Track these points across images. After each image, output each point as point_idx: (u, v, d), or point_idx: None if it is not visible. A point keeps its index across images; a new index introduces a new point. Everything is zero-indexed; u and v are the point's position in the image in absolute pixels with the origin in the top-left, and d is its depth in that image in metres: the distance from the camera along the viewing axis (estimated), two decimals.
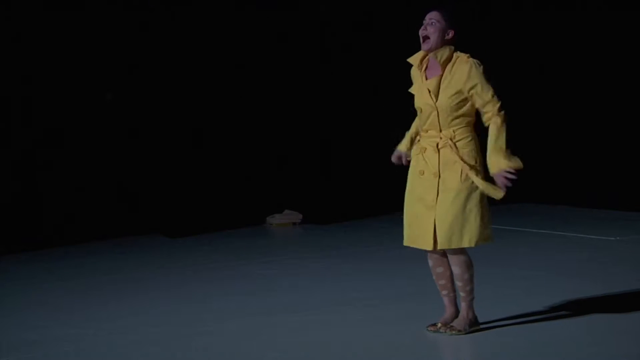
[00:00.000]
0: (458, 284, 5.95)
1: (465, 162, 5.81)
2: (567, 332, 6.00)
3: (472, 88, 5.80)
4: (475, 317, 6.03)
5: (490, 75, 5.86)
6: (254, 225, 11.40)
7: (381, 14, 12.02)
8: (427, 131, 5.92)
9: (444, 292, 6.09)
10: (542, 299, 6.85)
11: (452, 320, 6.05)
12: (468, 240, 5.81)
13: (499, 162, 5.78)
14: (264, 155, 11.71)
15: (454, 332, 5.96)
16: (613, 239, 9.52)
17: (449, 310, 6.10)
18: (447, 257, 5.99)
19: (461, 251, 5.87)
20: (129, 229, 10.75)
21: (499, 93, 5.87)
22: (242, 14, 11.52)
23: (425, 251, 5.98)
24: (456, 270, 5.91)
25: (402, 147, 6.14)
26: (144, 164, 11.03)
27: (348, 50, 12.01)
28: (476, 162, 5.86)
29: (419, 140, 5.99)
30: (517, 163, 5.81)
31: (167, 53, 11.11)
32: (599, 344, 5.75)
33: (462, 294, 5.97)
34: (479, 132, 5.95)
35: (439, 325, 6.04)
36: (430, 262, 6.04)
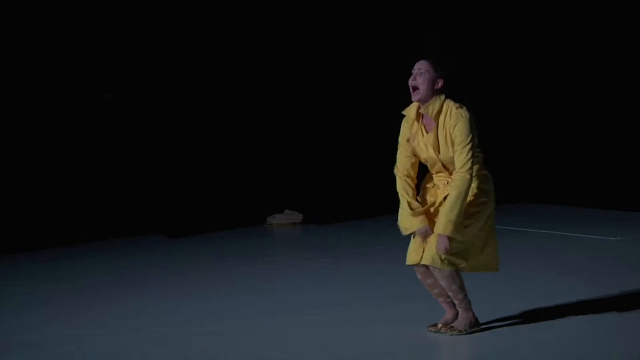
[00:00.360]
0: (449, 294, 5.99)
1: (473, 195, 5.85)
2: (567, 332, 6.00)
3: (455, 137, 5.80)
4: (476, 318, 6.04)
5: (475, 131, 5.83)
6: (255, 225, 11.39)
7: (379, 14, 12.03)
8: (437, 173, 5.99)
9: (441, 300, 6.12)
10: (542, 299, 6.85)
11: (453, 320, 6.06)
12: (469, 267, 5.91)
13: (438, 224, 5.79)
14: (265, 155, 11.71)
15: (454, 332, 5.97)
16: (613, 239, 9.52)
17: (449, 312, 6.11)
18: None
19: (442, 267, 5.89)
20: (129, 229, 10.75)
21: (480, 146, 5.87)
22: (242, 14, 11.52)
23: (414, 267, 5.99)
24: (443, 283, 5.95)
25: (421, 222, 5.92)
26: (144, 163, 11.03)
27: (349, 51, 12.00)
28: (485, 193, 5.89)
29: (431, 177, 6.03)
30: (451, 233, 5.74)
31: (169, 53, 11.11)
32: (599, 343, 5.76)
33: (455, 302, 6.02)
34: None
35: (440, 325, 6.05)
36: (419, 276, 6.06)
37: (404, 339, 5.99)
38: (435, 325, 6.07)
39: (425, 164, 6.01)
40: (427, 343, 5.92)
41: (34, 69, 10.55)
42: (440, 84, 5.87)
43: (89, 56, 10.74)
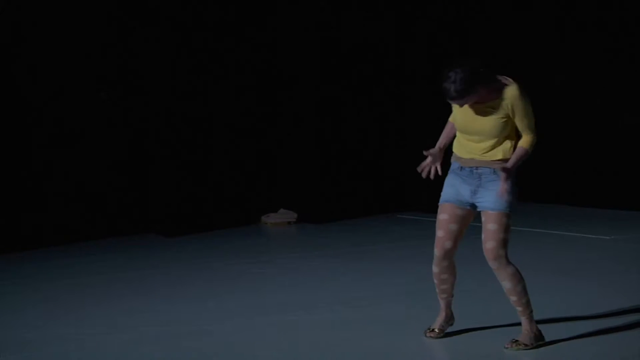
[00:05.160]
0: (512, 298, 5.79)
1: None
2: (564, 331, 6.01)
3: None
4: (539, 331, 5.86)
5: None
6: (249, 225, 11.39)
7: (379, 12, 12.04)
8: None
9: (443, 296, 6.01)
10: (541, 298, 6.86)
11: (447, 324, 6.03)
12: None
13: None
14: (260, 154, 11.70)
15: (520, 347, 5.76)
16: (607, 238, 9.55)
17: (443, 313, 6.04)
18: (454, 265, 5.94)
19: (506, 263, 5.76)
20: (126, 229, 10.73)
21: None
22: (241, 11, 11.51)
23: (435, 257, 5.91)
24: (507, 285, 5.77)
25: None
26: (140, 163, 11.01)
27: (345, 49, 11.99)
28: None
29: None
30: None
31: (165, 50, 11.08)
32: (599, 343, 5.78)
33: (518, 308, 5.80)
34: None
35: (437, 330, 6.01)
36: (436, 269, 5.93)
37: (402, 338, 6.00)
38: (432, 330, 6.02)
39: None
40: (425, 343, 5.93)
41: (24, 69, 10.51)
42: (480, 85, 5.63)
43: (82, 55, 10.69)
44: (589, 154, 11.81)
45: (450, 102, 5.70)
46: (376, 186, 11.48)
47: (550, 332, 5.98)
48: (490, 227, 5.71)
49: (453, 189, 5.86)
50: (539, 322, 5.91)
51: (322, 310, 6.86)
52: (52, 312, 7.13)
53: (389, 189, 11.55)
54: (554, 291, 7.18)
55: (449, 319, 6.06)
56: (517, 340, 5.79)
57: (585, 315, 6.39)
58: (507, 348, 5.77)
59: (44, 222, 10.48)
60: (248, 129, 11.64)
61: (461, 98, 5.60)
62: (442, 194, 5.91)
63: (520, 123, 5.75)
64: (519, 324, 6.12)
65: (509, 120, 5.74)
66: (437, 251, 5.88)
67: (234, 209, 11.43)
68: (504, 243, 5.73)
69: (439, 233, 5.87)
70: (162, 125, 11.14)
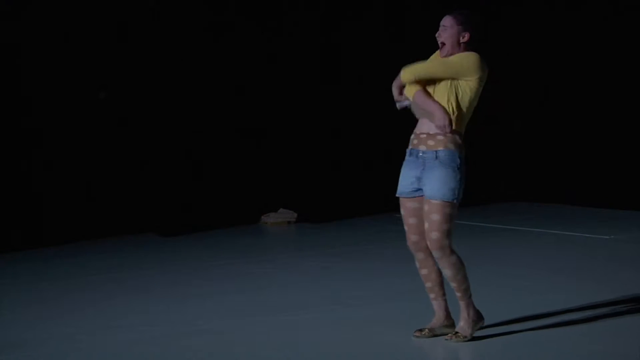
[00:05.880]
0: (452, 284, 5.86)
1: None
2: (564, 331, 6.01)
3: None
4: (478, 313, 5.93)
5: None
6: (249, 224, 11.40)
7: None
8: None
9: (431, 296, 6.01)
10: (537, 298, 6.88)
11: (440, 325, 6.00)
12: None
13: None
14: (259, 154, 11.70)
15: (460, 338, 5.84)
16: (606, 237, 9.55)
17: (436, 315, 6.02)
18: (432, 258, 5.93)
19: (450, 253, 5.81)
20: (124, 228, 10.74)
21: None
22: (240, 16, 11.53)
23: (415, 252, 5.95)
24: (447, 273, 5.83)
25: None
26: (137, 162, 11.01)
27: (340, 49, 12.00)
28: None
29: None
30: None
31: (166, 50, 11.08)
32: (597, 342, 5.77)
33: (458, 294, 5.88)
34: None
35: (426, 330, 5.97)
36: (417, 264, 5.99)
37: (402, 338, 5.99)
38: (421, 330, 5.99)
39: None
40: (422, 343, 5.93)
41: (33, 67, 10.52)
42: (466, 37, 5.76)
43: (77, 55, 10.68)
44: (589, 154, 11.82)
45: (442, 21, 5.78)
46: (375, 186, 11.48)
47: (550, 331, 5.98)
48: (434, 217, 5.75)
49: (402, 181, 5.97)
50: (538, 320, 5.90)
51: (322, 309, 6.86)
52: (50, 312, 7.12)
53: (388, 189, 11.56)
54: (554, 291, 7.18)
55: (444, 324, 6.01)
56: (456, 333, 5.87)
57: (584, 314, 6.38)
58: (447, 340, 5.85)
59: (42, 222, 10.49)
60: (248, 128, 11.64)
61: (454, 19, 5.75)
62: (398, 184, 6.01)
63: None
64: (519, 321, 6.14)
65: (453, 85, 5.73)
66: (408, 245, 5.97)
67: (234, 209, 11.43)
68: (448, 233, 5.76)
69: (405, 228, 5.98)
70: (161, 125, 11.15)
